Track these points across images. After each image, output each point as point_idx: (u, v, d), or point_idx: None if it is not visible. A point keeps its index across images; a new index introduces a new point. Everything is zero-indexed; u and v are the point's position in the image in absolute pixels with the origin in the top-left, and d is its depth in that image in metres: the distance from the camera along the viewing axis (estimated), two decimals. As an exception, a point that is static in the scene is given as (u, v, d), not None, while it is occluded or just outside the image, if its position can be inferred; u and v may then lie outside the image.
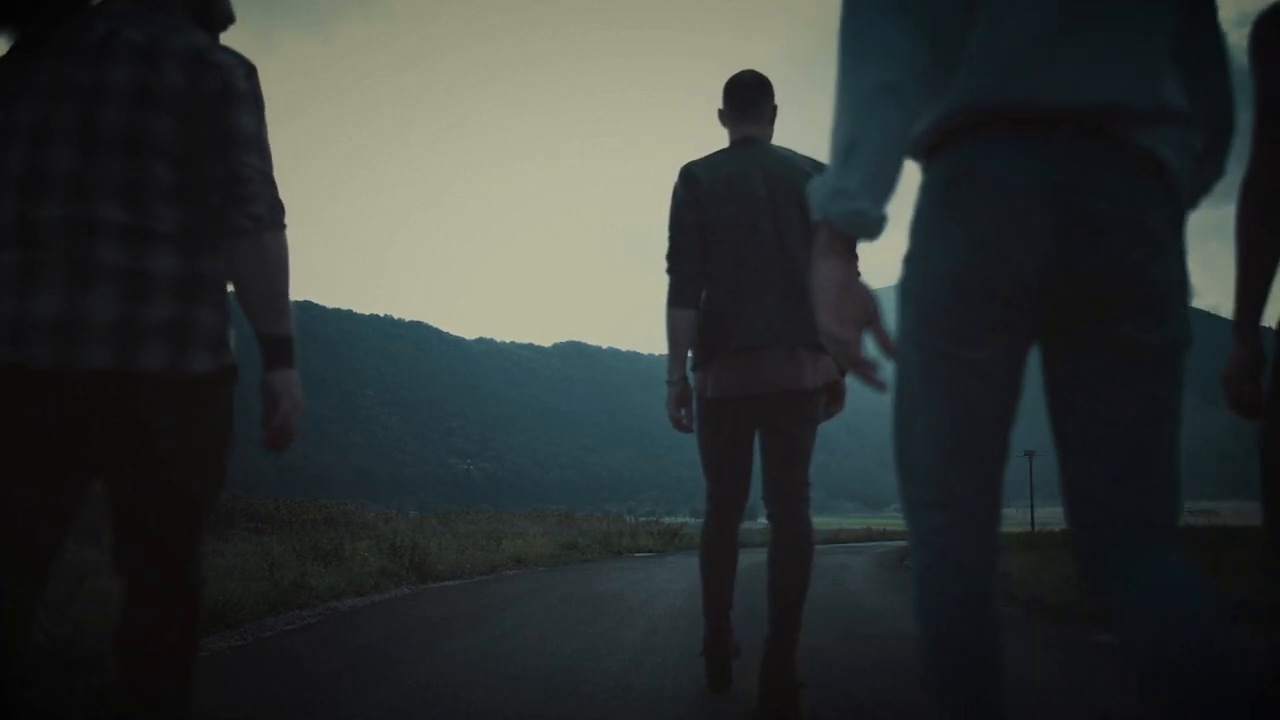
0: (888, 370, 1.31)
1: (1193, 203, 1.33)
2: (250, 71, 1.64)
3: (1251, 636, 3.60)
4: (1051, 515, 41.44)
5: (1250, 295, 1.79)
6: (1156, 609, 1.19)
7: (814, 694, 2.80)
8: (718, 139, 3.11)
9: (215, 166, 1.59)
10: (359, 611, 5.59)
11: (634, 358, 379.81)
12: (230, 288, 1.68)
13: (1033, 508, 54.53)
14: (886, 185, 1.15)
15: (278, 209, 1.63)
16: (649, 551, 14.48)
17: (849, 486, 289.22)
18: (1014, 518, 67.48)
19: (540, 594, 6.83)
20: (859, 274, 1.31)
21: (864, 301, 1.18)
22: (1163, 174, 1.19)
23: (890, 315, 1.27)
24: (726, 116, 2.94)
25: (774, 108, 2.96)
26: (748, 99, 2.90)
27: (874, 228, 1.16)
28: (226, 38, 1.76)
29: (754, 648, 2.78)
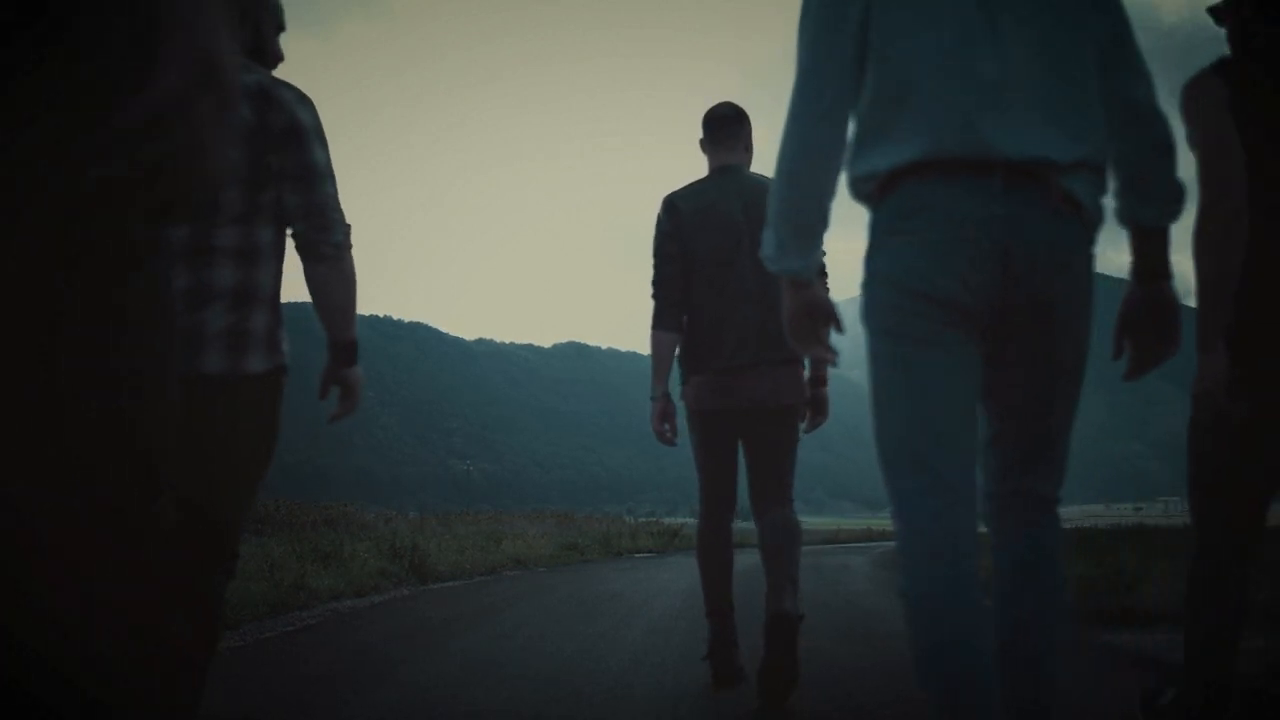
0: (845, 366, 1.72)
1: (1172, 218, 1.48)
2: (312, 106, 1.76)
3: (1249, 636, 3.61)
4: (1051, 515, 41.27)
5: (1215, 311, 1.91)
6: (1015, 563, 1.42)
7: (814, 694, 2.81)
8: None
9: (297, 196, 1.74)
10: (359, 612, 5.59)
11: (634, 358, 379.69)
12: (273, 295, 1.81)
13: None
14: (800, 245, 1.46)
15: (349, 232, 1.80)
16: (649, 552, 14.46)
17: (848, 487, 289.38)
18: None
19: (540, 594, 6.84)
20: (826, 290, 1.75)
21: (819, 313, 1.53)
22: (1079, 211, 1.37)
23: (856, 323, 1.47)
24: (706, 146, 3.08)
25: (750, 136, 3.09)
26: (725, 130, 3.04)
27: (803, 273, 1.49)
28: None
29: (755, 650, 2.79)
